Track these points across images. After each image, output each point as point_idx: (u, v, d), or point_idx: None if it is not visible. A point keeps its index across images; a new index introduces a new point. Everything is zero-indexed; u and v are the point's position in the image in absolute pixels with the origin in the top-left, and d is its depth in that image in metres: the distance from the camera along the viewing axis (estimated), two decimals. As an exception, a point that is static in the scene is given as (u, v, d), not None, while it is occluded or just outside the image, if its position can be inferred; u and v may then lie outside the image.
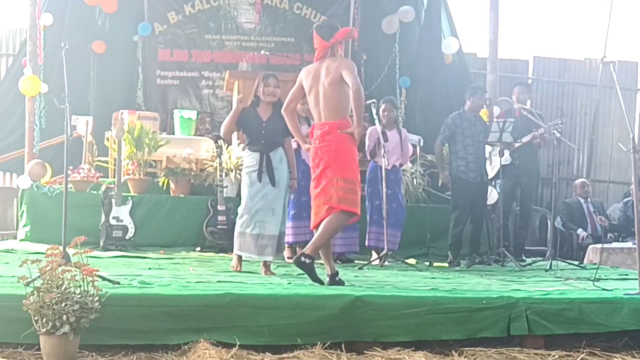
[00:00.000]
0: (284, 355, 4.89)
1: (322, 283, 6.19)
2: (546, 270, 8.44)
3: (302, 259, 6.20)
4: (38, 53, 11.14)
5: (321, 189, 6.29)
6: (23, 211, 10.18)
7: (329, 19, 6.89)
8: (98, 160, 11.12)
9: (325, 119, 6.32)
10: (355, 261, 9.10)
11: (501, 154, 9.45)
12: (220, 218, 9.88)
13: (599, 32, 14.71)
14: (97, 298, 4.59)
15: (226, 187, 10.07)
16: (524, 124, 9.74)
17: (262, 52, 11.95)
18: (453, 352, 5.13)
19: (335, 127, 6.23)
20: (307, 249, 6.28)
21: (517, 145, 9.58)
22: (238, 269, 7.43)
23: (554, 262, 8.72)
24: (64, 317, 4.43)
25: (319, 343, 4.98)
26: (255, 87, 7.49)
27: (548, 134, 9.43)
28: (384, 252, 8.61)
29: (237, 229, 7.37)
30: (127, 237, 9.56)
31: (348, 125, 6.23)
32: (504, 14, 13.61)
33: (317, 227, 6.34)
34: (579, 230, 11.54)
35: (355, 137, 6.20)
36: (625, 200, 12.10)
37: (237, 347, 4.80)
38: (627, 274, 7.92)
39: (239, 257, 7.49)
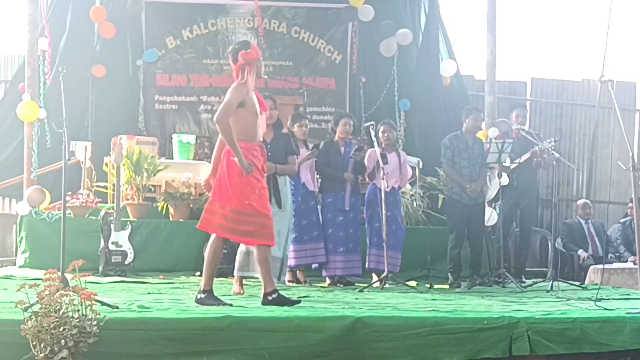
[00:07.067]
0: (284, 377, 4.86)
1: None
2: (547, 291, 8.39)
3: (199, 296, 6.19)
4: (46, 76, 11.23)
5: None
6: (22, 237, 10.16)
7: (243, 41, 6.90)
8: (97, 186, 11.09)
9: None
10: (356, 284, 9.06)
11: (499, 176, 9.45)
12: (219, 242, 9.83)
13: (597, 53, 14.72)
14: (95, 322, 4.56)
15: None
16: (522, 145, 9.75)
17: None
18: (454, 373, 5.10)
19: (227, 153, 6.23)
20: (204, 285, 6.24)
21: (513, 166, 9.59)
22: (242, 292, 7.36)
23: (555, 283, 8.68)
24: (62, 341, 4.40)
25: (319, 365, 4.95)
26: None
27: (547, 155, 9.43)
28: (384, 274, 8.58)
29: (242, 247, 7.31)
30: (126, 263, 9.51)
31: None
32: (501, 36, 13.63)
33: (256, 246, 6.40)
34: (580, 251, 11.51)
35: (241, 166, 6.10)
36: (622, 220, 12.09)
37: (236, 370, 4.77)
38: (628, 294, 7.90)
39: (240, 280, 7.42)
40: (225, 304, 6.05)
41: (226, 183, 6.18)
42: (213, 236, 6.31)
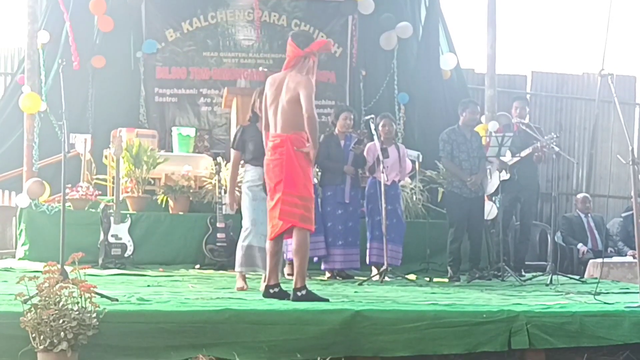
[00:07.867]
0: (283, 370, 4.86)
1: (327, 299, 6.07)
2: (547, 285, 8.40)
3: (298, 293, 6.00)
4: (73, 64, 11.54)
5: (274, 204, 6.14)
6: (22, 230, 10.15)
7: (306, 30, 6.71)
8: (97, 179, 11.08)
9: (279, 131, 6.15)
10: (355, 277, 9.06)
11: (500, 170, 9.45)
12: (219, 235, 9.85)
13: (597, 47, 14.71)
14: (95, 314, 4.56)
15: (225, 204, 10.01)
16: (523, 139, 9.73)
17: (260, 68, 11.94)
18: (454, 366, 5.11)
19: (287, 141, 6.07)
20: (297, 282, 6.05)
21: (515, 160, 9.58)
22: (246, 287, 7.25)
23: (555, 277, 8.69)
24: (62, 333, 4.40)
25: (318, 358, 4.94)
26: (252, 102, 7.49)
27: (547, 149, 9.41)
28: (384, 267, 8.57)
29: (242, 242, 7.22)
30: (125, 255, 9.52)
31: (301, 139, 6.05)
32: (501, 30, 13.64)
33: (273, 239, 6.19)
34: (580, 245, 11.51)
35: (311, 157, 6.06)
36: (624, 214, 12.08)
37: (236, 363, 4.77)
38: (628, 288, 7.90)
39: (243, 276, 7.32)
40: (325, 299, 5.97)
41: (300, 174, 6.04)
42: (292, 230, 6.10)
